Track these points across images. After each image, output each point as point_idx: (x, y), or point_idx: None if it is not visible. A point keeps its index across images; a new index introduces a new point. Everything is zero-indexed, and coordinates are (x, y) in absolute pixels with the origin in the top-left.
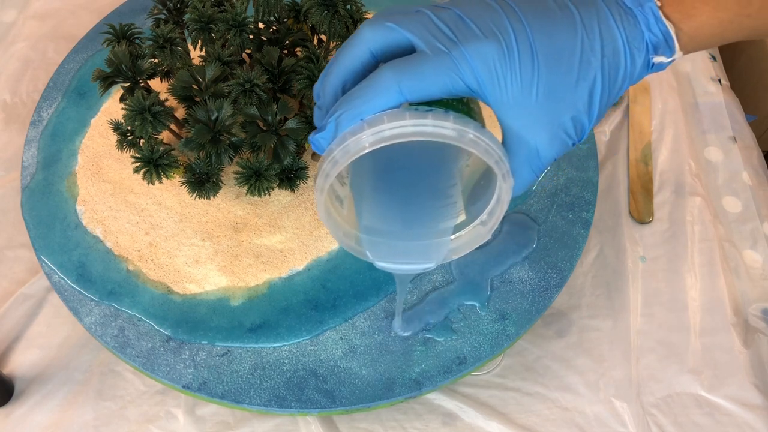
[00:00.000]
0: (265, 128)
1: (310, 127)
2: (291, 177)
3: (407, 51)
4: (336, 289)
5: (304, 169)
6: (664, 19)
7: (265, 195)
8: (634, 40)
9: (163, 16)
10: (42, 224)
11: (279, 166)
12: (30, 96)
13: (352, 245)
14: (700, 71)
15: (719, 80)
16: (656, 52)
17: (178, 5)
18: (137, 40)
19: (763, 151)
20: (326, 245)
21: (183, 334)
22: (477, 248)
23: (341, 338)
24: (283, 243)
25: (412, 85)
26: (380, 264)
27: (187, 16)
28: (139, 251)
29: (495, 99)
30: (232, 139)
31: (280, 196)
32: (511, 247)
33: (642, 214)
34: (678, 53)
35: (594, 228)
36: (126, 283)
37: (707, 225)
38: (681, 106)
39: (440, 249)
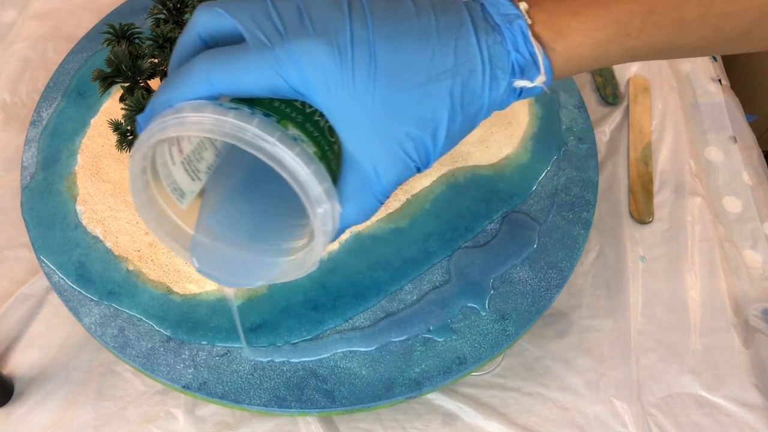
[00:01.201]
0: None
1: None
2: None
3: (238, 39)
4: (336, 289)
5: None
6: (533, 39)
7: None
8: (499, 60)
9: (162, 16)
10: (42, 224)
11: None
12: (30, 96)
13: (161, 235)
14: (700, 71)
15: (719, 80)
16: (522, 76)
17: (178, 5)
18: (137, 40)
19: (763, 151)
20: None
21: (183, 334)
22: (477, 249)
23: (341, 338)
24: None
25: (224, 77)
26: (202, 270)
27: (187, 16)
28: (139, 251)
29: (327, 107)
30: None
31: None
32: (511, 247)
33: (642, 214)
34: (542, 77)
35: (594, 228)
36: (126, 283)
37: (707, 225)
38: (681, 106)
39: (271, 269)
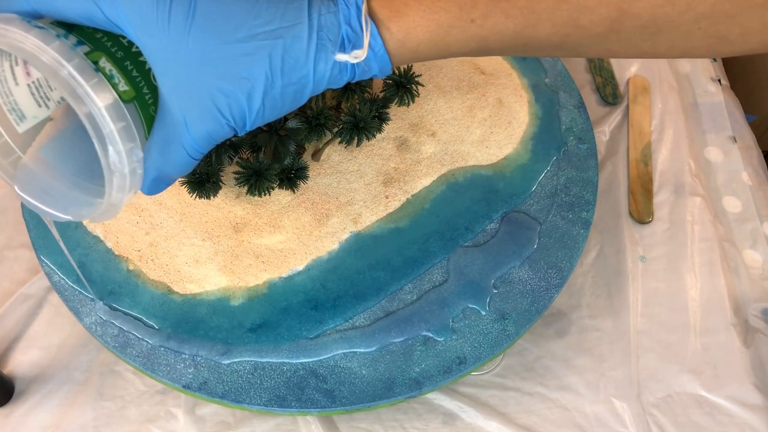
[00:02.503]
0: (265, 128)
1: (310, 127)
2: (291, 177)
3: None
4: (336, 289)
5: (304, 169)
6: (364, 13)
7: (265, 195)
8: (328, 31)
9: None
10: (42, 224)
11: (279, 166)
12: None
13: None
14: (700, 71)
15: (719, 80)
16: (350, 51)
17: None
18: None
19: (762, 151)
20: (326, 245)
21: (183, 334)
22: (477, 249)
23: (341, 338)
24: (283, 243)
25: None
26: (23, 197)
27: None
28: (139, 251)
29: (143, 45)
30: (232, 139)
31: (280, 196)
32: (511, 247)
33: (642, 214)
34: (362, 51)
35: (594, 228)
36: (126, 283)
37: (707, 225)
38: (681, 106)
39: (87, 206)
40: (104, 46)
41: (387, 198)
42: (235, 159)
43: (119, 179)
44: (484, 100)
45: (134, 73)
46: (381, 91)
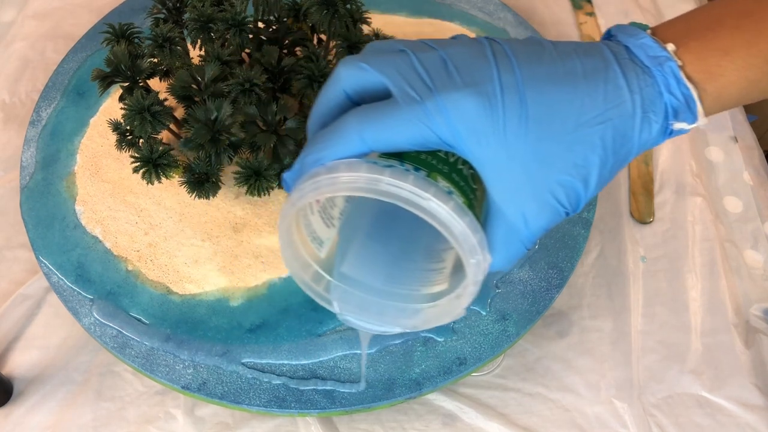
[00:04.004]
0: (264, 128)
1: None
2: None
3: (384, 93)
4: None
5: None
6: (687, 81)
7: (264, 195)
8: (651, 104)
9: (162, 16)
10: (41, 224)
11: (279, 165)
12: (29, 95)
13: (308, 281)
14: None
15: None
16: (676, 118)
17: (178, 5)
18: (136, 40)
19: (764, 151)
20: None
21: (182, 335)
22: None
23: (341, 338)
24: None
25: (376, 135)
26: (343, 317)
27: (186, 16)
28: (138, 251)
29: (475, 157)
30: (232, 138)
31: (280, 196)
32: None
33: (643, 215)
34: (702, 119)
35: (595, 228)
36: (125, 283)
37: (708, 225)
38: None
39: (413, 315)
40: (433, 165)
41: None
42: (235, 159)
43: (474, 287)
44: None
45: (461, 183)
46: None
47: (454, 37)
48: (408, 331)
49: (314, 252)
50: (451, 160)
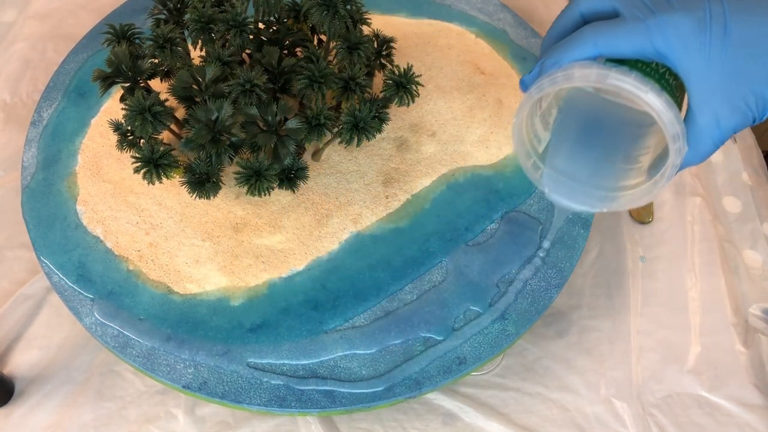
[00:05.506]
0: (265, 128)
1: (310, 127)
2: (291, 177)
3: (612, 15)
4: (336, 289)
5: (304, 169)
6: None
7: (265, 195)
8: None
9: (163, 16)
10: (42, 224)
11: (279, 166)
12: (30, 96)
13: (529, 168)
14: None
15: None
16: None
17: (179, 5)
18: (137, 40)
19: (763, 151)
20: (326, 245)
21: (183, 334)
22: (477, 249)
23: (341, 338)
24: (283, 243)
25: (606, 42)
26: (552, 196)
27: (187, 16)
28: (139, 251)
29: (682, 66)
30: (232, 139)
31: (280, 196)
32: (512, 247)
33: (642, 215)
34: None
35: (594, 228)
36: (126, 283)
37: (707, 225)
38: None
39: (612, 201)
40: (646, 71)
41: (387, 198)
42: (235, 159)
43: (673, 169)
44: (484, 100)
45: (667, 88)
46: (381, 92)
47: None
48: (605, 211)
49: (534, 147)
50: (661, 70)
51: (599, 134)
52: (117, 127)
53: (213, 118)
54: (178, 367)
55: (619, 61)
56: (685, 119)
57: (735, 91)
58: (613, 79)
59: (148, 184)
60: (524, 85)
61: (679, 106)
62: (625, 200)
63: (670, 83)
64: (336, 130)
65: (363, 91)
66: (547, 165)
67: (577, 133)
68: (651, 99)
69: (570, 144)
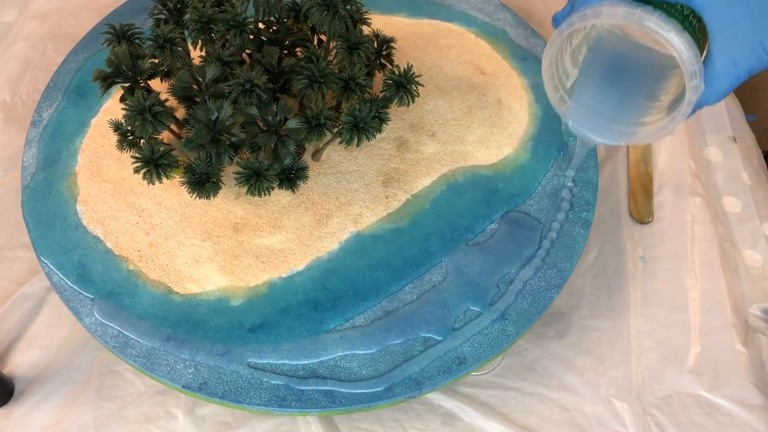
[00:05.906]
0: (265, 128)
1: (310, 127)
2: (291, 177)
3: None
4: (336, 289)
5: (304, 169)
6: None
7: (265, 195)
8: None
9: (163, 16)
10: (42, 224)
11: (279, 166)
12: (30, 96)
13: (556, 101)
14: None
15: None
16: None
17: (179, 5)
18: (137, 40)
19: (763, 151)
20: (326, 245)
21: (183, 334)
22: (477, 249)
23: (341, 338)
24: (283, 243)
25: None
26: (577, 128)
27: (187, 16)
28: (139, 251)
29: (705, 9)
30: (232, 139)
31: (280, 196)
32: (512, 247)
33: (642, 215)
34: None
35: (594, 228)
36: (126, 283)
37: (707, 225)
38: None
39: (632, 135)
40: (672, 13)
41: (387, 198)
42: (235, 159)
43: (689, 106)
44: (484, 100)
45: (690, 29)
46: (381, 92)
47: None
48: (622, 144)
49: (563, 82)
50: (686, 12)
51: (625, 74)
52: (117, 127)
53: (213, 118)
54: (178, 367)
55: (647, 2)
56: (704, 60)
57: (753, 35)
58: (638, 17)
59: (148, 184)
60: (556, 22)
61: (701, 48)
62: (645, 134)
63: (693, 25)
64: (336, 130)
65: (363, 91)
66: (573, 99)
67: (604, 72)
68: (672, 37)
69: (597, 81)
